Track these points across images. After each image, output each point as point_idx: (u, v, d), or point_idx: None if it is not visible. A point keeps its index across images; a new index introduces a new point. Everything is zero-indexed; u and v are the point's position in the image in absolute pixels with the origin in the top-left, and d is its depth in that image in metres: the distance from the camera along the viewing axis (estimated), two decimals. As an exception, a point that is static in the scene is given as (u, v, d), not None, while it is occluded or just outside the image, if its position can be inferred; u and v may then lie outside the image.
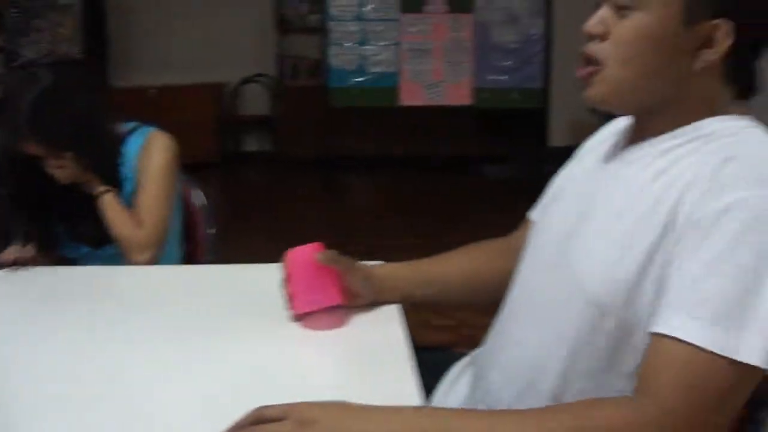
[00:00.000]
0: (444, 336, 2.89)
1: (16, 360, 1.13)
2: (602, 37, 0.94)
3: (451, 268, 1.32)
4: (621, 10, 0.92)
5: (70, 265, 1.83)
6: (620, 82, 0.94)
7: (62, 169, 1.73)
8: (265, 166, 6.82)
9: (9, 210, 1.83)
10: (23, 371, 1.09)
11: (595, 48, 0.95)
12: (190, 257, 2.03)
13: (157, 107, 5.50)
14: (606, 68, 0.94)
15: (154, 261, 1.75)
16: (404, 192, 6.02)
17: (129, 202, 1.80)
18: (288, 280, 1.19)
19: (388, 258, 1.35)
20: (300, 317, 1.19)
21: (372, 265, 1.30)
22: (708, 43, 0.89)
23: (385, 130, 6.43)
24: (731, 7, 0.88)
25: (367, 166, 6.39)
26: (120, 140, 1.82)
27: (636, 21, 0.91)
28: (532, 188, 4.66)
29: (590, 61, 0.96)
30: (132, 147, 1.82)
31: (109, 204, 1.75)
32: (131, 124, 1.87)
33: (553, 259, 1.02)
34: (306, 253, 1.18)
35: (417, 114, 6.19)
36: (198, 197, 2.09)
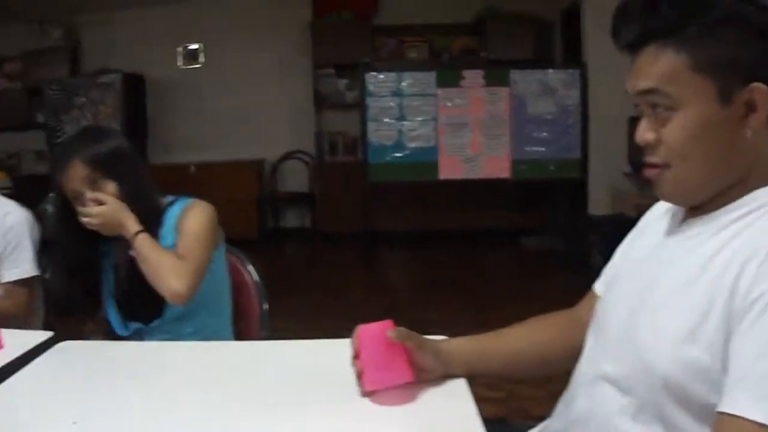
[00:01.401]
0: (494, 408, 3.00)
1: None
2: (655, 144, 1.02)
3: (519, 341, 1.37)
4: (662, 114, 1.00)
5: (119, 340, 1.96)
6: (687, 180, 1.02)
7: (98, 210, 1.81)
8: (304, 242, 7.29)
9: (62, 281, 1.99)
10: None
11: (653, 158, 1.03)
12: (242, 333, 2.11)
13: (196, 184, 5.95)
14: (671, 168, 1.02)
15: (189, 297, 1.80)
16: (444, 265, 6.30)
17: None
18: (358, 356, 1.24)
19: (429, 332, 1.38)
20: (369, 393, 1.24)
21: (436, 340, 1.35)
22: (750, 108, 0.96)
23: (423, 205, 6.80)
24: (759, 68, 0.96)
25: (406, 241, 6.75)
26: (162, 207, 1.95)
27: (681, 120, 0.99)
28: (573, 258, 5.24)
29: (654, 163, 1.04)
30: (171, 215, 1.93)
31: (146, 241, 1.83)
32: (171, 197, 2.00)
33: (618, 334, 1.08)
34: (377, 330, 1.23)
35: (455, 187, 6.52)
36: (251, 273, 2.17)
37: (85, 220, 1.83)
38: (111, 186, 1.85)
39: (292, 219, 7.58)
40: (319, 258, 6.98)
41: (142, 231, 1.83)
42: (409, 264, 6.81)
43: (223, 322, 2.04)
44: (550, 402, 1.30)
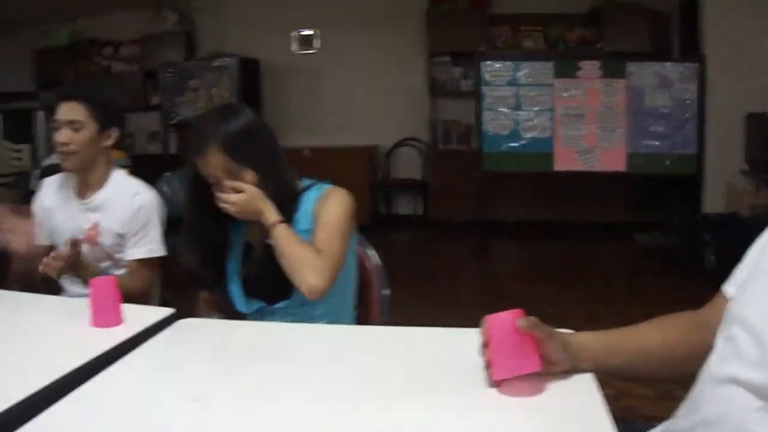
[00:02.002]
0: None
1: (198, 412, 1.30)
2: None
3: (644, 339, 1.40)
4: None
5: (241, 319, 2.08)
6: None
7: (236, 198, 1.95)
8: (416, 230, 7.87)
9: (193, 256, 2.15)
10: (204, 420, 1.27)
11: None
12: (363, 318, 2.25)
13: (310, 168, 6.55)
14: None
15: (326, 291, 1.91)
16: (555, 258, 6.67)
17: None
18: (487, 345, 1.31)
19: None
20: (497, 383, 1.30)
21: (565, 333, 1.39)
22: None
23: (536, 196, 7.27)
24: None
25: (518, 232, 7.20)
26: (298, 191, 2.08)
27: None
28: (687, 257, 5.37)
29: None
30: (309, 200, 2.05)
31: (285, 232, 1.96)
32: (309, 181, 2.13)
33: (754, 338, 1.10)
34: (506, 319, 1.29)
35: (568, 179, 6.96)
36: (373, 258, 2.30)
37: (223, 205, 1.99)
38: (249, 174, 1.98)
39: (404, 206, 8.20)
40: (431, 246, 7.44)
41: (281, 221, 1.97)
42: (520, 255, 7.09)
43: (347, 307, 2.18)
44: (659, 402, 1.44)
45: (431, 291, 5.28)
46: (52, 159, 6.76)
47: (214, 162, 1.96)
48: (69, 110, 2.46)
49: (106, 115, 2.50)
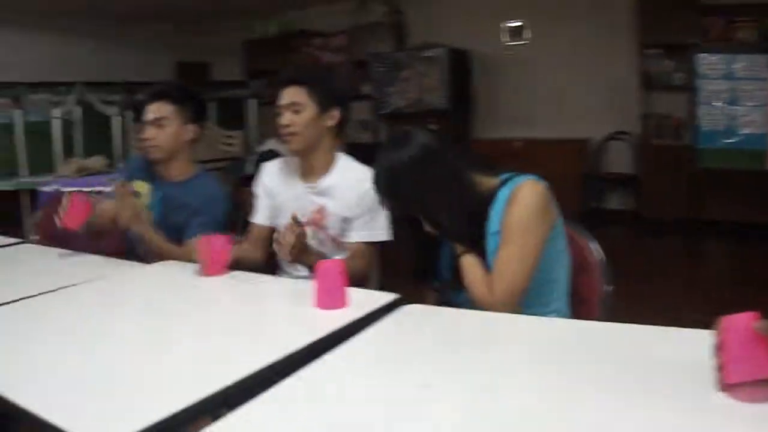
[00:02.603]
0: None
1: (423, 398, 1.40)
2: None
3: None
4: None
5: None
6: None
7: (426, 229, 2.18)
8: (626, 225, 8.10)
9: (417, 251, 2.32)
10: (429, 405, 1.36)
11: None
12: (580, 314, 2.27)
13: (520, 160, 6.53)
14: None
15: (511, 305, 2.05)
16: None
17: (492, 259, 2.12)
18: (721, 348, 1.32)
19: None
20: (728, 387, 1.31)
21: None
22: None
23: (750, 196, 7.32)
24: None
25: (731, 232, 7.36)
26: (489, 196, 2.15)
27: None
28: None
29: None
30: (501, 199, 2.12)
31: (467, 265, 2.14)
32: (507, 175, 2.18)
33: None
34: (742, 322, 1.30)
35: None
36: (596, 252, 2.36)
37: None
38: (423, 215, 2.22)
39: (614, 201, 8.55)
40: (640, 242, 7.71)
41: (464, 252, 2.16)
42: (732, 257, 7.09)
43: (559, 300, 2.25)
44: None
45: (640, 289, 5.21)
46: (269, 145, 7.86)
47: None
48: (290, 94, 2.75)
49: (326, 96, 2.75)
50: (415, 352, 1.69)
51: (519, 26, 8.83)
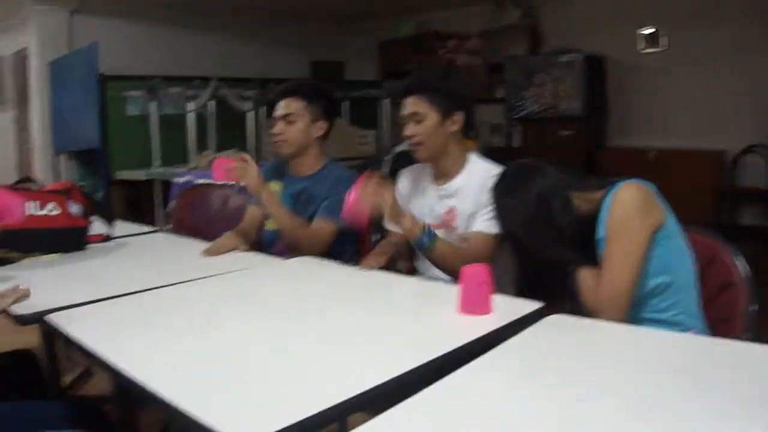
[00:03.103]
0: None
1: (578, 414, 1.35)
2: None
3: None
4: None
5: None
6: None
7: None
8: (761, 242, 7.63)
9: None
10: (584, 423, 1.32)
11: None
12: (721, 332, 2.16)
13: (653, 170, 6.48)
14: None
15: (621, 315, 2.06)
16: None
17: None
18: None
19: None
20: None
21: None
22: None
23: None
24: None
25: None
26: (597, 210, 2.18)
27: None
28: None
29: None
30: (605, 209, 2.15)
31: (579, 280, 2.18)
32: (613, 185, 2.18)
33: None
34: None
35: None
36: (741, 267, 2.25)
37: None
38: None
39: (750, 216, 8.31)
40: None
41: (578, 267, 2.20)
42: None
43: (684, 311, 2.19)
44: None
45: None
46: (403, 146, 8.01)
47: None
48: (409, 104, 2.79)
49: (447, 102, 2.77)
50: (564, 363, 1.65)
51: (655, 33, 8.74)
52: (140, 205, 8.53)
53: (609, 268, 2.10)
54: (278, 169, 3.42)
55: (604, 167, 8.53)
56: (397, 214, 2.69)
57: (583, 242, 2.20)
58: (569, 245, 2.22)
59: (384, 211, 2.68)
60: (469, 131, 2.90)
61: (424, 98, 2.76)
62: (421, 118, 2.76)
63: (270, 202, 3.05)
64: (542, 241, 2.25)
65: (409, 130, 2.80)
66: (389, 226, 2.80)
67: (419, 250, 2.75)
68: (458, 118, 2.80)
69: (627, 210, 2.10)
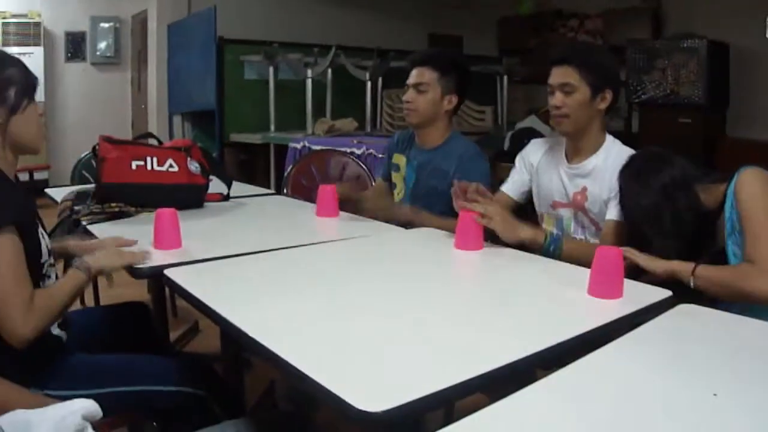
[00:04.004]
0: None
1: (713, 407, 1.31)
2: None
3: None
4: None
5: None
6: None
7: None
8: None
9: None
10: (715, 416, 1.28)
11: None
12: None
13: None
14: None
15: None
16: None
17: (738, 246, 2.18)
18: None
19: None
20: None
21: None
22: None
23: None
24: None
25: None
26: (721, 202, 2.24)
27: None
28: None
29: None
30: (729, 199, 2.20)
31: (703, 281, 2.13)
32: (733, 175, 2.23)
33: None
34: None
35: None
36: None
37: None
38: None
39: None
40: None
41: (692, 271, 2.15)
42: None
43: None
44: None
45: None
46: (526, 123, 7.97)
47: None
48: (561, 74, 2.73)
49: (599, 78, 2.71)
50: (697, 355, 1.60)
51: (782, 21, 8.40)
52: (253, 168, 8.74)
53: (756, 249, 2.09)
54: (405, 141, 3.48)
55: (725, 159, 8.27)
56: (512, 226, 2.59)
57: (696, 238, 2.25)
58: (684, 239, 2.25)
59: (496, 229, 2.56)
60: (609, 112, 2.85)
61: (577, 70, 2.70)
62: (571, 89, 2.71)
63: (413, 218, 3.08)
64: (663, 231, 2.27)
65: (558, 99, 2.74)
66: (506, 240, 2.60)
67: (546, 256, 2.61)
68: (608, 96, 2.74)
69: (756, 190, 2.13)
